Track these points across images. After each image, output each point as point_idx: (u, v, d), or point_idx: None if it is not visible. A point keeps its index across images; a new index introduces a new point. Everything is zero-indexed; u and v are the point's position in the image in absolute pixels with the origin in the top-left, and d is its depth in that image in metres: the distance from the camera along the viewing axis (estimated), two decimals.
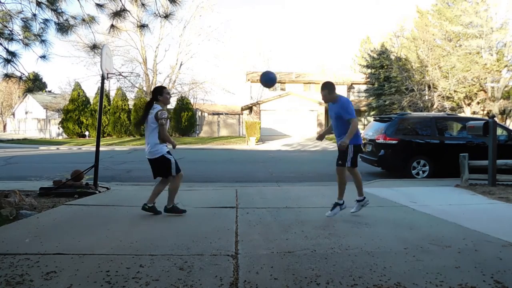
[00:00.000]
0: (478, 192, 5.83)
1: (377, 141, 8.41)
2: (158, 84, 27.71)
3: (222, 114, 32.16)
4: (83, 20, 5.65)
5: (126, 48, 26.49)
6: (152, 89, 4.41)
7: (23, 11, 5.64)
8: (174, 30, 40.36)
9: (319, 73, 34.57)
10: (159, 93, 4.14)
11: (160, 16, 5.36)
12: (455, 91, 21.52)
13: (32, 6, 5.46)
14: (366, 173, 9.32)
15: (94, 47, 6.16)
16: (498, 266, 2.68)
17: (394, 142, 8.12)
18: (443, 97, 22.02)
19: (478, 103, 22.35)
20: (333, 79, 31.98)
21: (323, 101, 4.42)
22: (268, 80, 4.38)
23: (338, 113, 4.18)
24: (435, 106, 22.59)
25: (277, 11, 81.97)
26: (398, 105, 23.89)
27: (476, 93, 22.04)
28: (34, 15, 5.57)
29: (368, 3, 71.87)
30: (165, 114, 4.04)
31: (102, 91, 6.47)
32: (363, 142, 4.33)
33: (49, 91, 45.98)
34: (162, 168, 4.13)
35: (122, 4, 5.29)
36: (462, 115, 19.34)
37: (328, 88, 4.20)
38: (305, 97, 30.21)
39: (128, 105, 29.30)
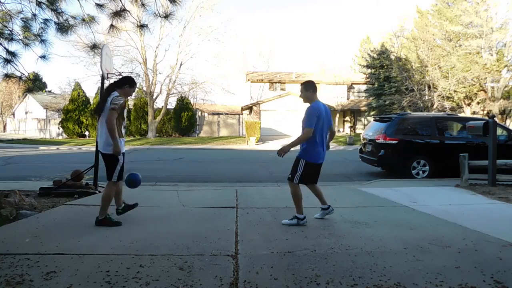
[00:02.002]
0: (478, 192, 5.83)
1: (377, 141, 8.41)
2: (158, 85, 27.77)
3: (222, 114, 32.16)
4: (83, 20, 5.64)
5: (126, 48, 26.48)
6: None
7: (23, 11, 5.65)
8: (174, 30, 40.25)
9: (319, 73, 34.54)
10: (124, 83, 3.81)
11: (160, 16, 5.36)
12: (455, 91, 21.52)
13: (32, 6, 5.46)
14: (366, 173, 9.32)
15: (94, 47, 6.16)
16: (498, 266, 2.68)
17: (394, 142, 8.12)
18: (443, 97, 22.01)
19: (478, 103, 22.34)
20: (333, 79, 32.09)
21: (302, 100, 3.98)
22: (132, 181, 4.11)
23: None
24: (435, 106, 22.59)
25: (278, 11, 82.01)
26: (398, 105, 23.88)
27: (476, 93, 22.04)
28: (34, 15, 5.57)
29: (368, 3, 71.88)
30: (120, 101, 3.65)
31: (102, 91, 6.47)
32: (321, 162, 3.93)
33: (49, 91, 45.98)
34: (107, 166, 3.73)
35: (122, 4, 5.29)
36: (462, 115, 19.36)
37: (304, 87, 3.88)
38: None
39: (128, 105, 29.28)
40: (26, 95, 36.81)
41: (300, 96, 3.96)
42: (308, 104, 3.90)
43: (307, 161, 3.85)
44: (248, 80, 33.15)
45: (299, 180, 3.87)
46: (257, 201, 5.07)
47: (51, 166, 11.07)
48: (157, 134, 28.53)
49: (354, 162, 11.75)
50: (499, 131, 7.56)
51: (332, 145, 21.65)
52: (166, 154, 15.73)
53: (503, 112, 23.02)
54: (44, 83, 50.68)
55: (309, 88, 3.87)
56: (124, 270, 2.57)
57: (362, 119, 33.45)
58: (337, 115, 31.80)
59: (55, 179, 6.08)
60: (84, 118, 28.86)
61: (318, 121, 3.73)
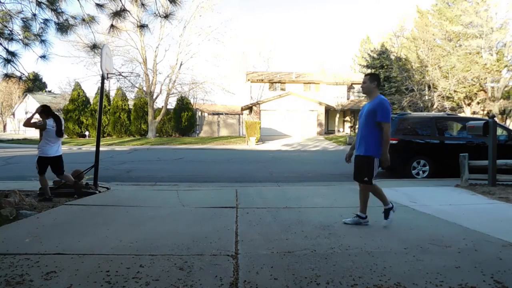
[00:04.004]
0: (478, 192, 5.83)
1: None
2: (158, 85, 27.73)
3: (222, 114, 32.16)
4: (83, 20, 5.64)
5: (126, 48, 26.46)
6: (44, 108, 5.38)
7: (23, 11, 5.64)
8: (174, 30, 40.32)
9: (319, 73, 34.54)
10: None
11: (160, 16, 5.35)
12: (455, 91, 21.52)
13: (32, 6, 5.46)
14: None
15: (94, 47, 6.16)
16: (498, 266, 2.68)
17: (394, 142, 8.10)
18: (443, 97, 22.02)
19: (478, 103, 22.35)
20: (333, 79, 32.08)
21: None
22: None
23: (369, 110, 3.70)
24: (435, 106, 22.59)
25: (278, 11, 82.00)
26: (398, 105, 23.89)
27: (476, 93, 22.04)
28: (34, 15, 5.56)
29: (368, 3, 71.87)
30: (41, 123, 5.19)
31: (102, 91, 6.47)
32: None
33: (49, 91, 45.98)
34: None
35: (122, 4, 5.29)
36: (462, 115, 19.36)
37: (369, 78, 3.79)
38: (305, 97, 30.21)
39: (128, 105, 29.29)
40: (26, 95, 36.81)
41: (362, 87, 3.86)
42: (368, 95, 3.82)
43: (378, 158, 3.69)
44: (248, 80, 33.14)
45: (372, 180, 3.73)
46: (257, 201, 5.06)
47: None
48: (157, 134, 28.53)
49: None
50: (499, 131, 7.56)
51: (332, 145, 21.64)
52: (166, 154, 15.72)
53: (503, 112, 23.03)
54: (44, 83, 50.72)
55: (373, 80, 3.78)
56: (124, 270, 2.57)
57: None
58: (337, 115, 31.80)
59: (55, 179, 6.07)
60: (84, 118, 28.85)
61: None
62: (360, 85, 3.94)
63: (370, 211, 4.50)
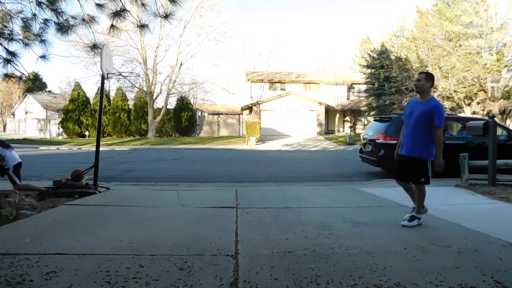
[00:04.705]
0: (478, 192, 5.83)
1: (377, 141, 8.41)
2: (158, 85, 27.75)
3: (222, 114, 32.16)
4: (83, 20, 5.64)
5: (126, 48, 26.47)
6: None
7: (23, 11, 5.65)
8: (174, 30, 40.28)
9: (319, 73, 34.55)
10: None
11: (160, 16, 5.36)
12: (455, 91, 21.52)
13: (32, 6, 5.46)
14: (366, 173, 9.32)
15: (94, 47, 6.16)
16: (498, 266, 2.68)
17: (394, 142, 8.10)
18: (443, 97, 22.01)
19: (478, 103, 22.35)
20: (333, 79, 32.09)
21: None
22: None
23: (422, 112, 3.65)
24: None
25: (278, 11, 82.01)
26: (398, 105, 23.90)
27: (476, 93, 22.04)
28: (34, 15, 5.57)
29: (368, 3, 71.88)
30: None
31: (102, 91, 6.47)
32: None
33: (49, 91, 45.97)
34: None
35: (122, 4, 5.29)
36: (462, 115, 19.36)
37: (426, 76, 3.73)
38: (305, 97, 30.22)
39: (128, 105, 29.30)
40: (26, 95, 36.81)
41: (415, 84, 3.82)
42: (420, 94, 3.80)
43: (431, 160, 3.73)
44: (248, 80, 33.14)
45: (428, 179, 3.75)
46: (257, 201, 5.06)
47: (51, 166, 11.07)
48: (157, 134, 28.53)
49: (354, 162, 11.75)
50: (499, 131, 7.56)
51: (332, 145, 21.64)
52: (166, 154, 15.73)
53: (503, 112, 23.03)
54: (44, 83, 50.68)
55: (429, 80, 3.73)
56: (124, 270, 2.57)
57: (362, 119, 33.45)
58: (337, 115, 31.81)
59: (55, 179, 6.08)
60: (84, 118, 28.86)
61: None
62: (414, 83, 3.89)
63: (370, 211, 4.51)
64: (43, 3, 5.47)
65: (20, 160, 5.57)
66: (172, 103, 30.24)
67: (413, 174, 3.79)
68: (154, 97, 27.81)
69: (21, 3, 5.57)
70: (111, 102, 29.27)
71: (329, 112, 31.75)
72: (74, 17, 5.67)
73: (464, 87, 21.41)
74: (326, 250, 3.04)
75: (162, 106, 28.72)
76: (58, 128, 31.02)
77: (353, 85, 34.06)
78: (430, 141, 3.70)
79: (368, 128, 9.60)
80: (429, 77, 3.77)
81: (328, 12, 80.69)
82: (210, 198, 5.39)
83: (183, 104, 29.49)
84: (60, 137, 30.30)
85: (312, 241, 3.27)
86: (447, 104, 22.19)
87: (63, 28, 5.63)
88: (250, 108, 30.07)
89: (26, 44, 5.67)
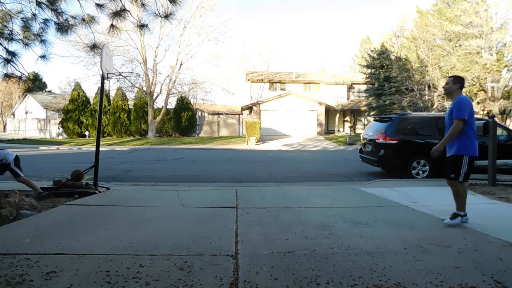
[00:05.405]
0: (478, 192, 5.83)
1: (377, 141, 8.42)
2: (158, 85, 27.74)
3: (222, 114, 32.15)
4: (83, 20, 5.64)
5: (126, 48, 26.46)
6: None
7: (23, 11, 5.64)
8: (174, 30, 40.30)
9: (319, 73, 34.54)
10: None
11: (160, 16, 5.36)
12: None
13: (32, 6, 5.46)
14: (366, 173, 9.32)
15: (94, 47, 6.16)
16: (498, 266, 2.68)
17: (394, 142, 8.12)
18: (443, 97, 22.00)
19: (478, 103, 22.33)
20: (333, 79, 32.08)
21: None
22: None
23: (450, 111, 3.84)
24: (435, 106, 22.59)
25: (278, 11, 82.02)
26: (398, 105, 23.89)
27: (476, 93, 22.03)
28: (34, 15, 5.56)
29: (368, 3, 71.90)
30: None
31: (102, 91, 6.47)
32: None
33: (49, 91, 45.95)
34: None
35: (122, 4, 5.29)
36: None
37: (453, 80, 3.92)
38: (305, 97, 30.22)
39: (128, 105, 29.29)
40: (26, 95, 36.79)
41: (444, 87, 4.04)
42: (450, 97, 4.00)
43: (471, 156, 3.79)
44: (248, 80, 33.13)
45: (464, 177, 3.80)
46: (257, 201, 5.06)
47: (51, 166, 11.07)
48: (157, 134, 28.53)
49: (354, 162, 11.75)
50: (499, 131, 7.56)
51: (332, 145, 21.64)
52: (166, 154, 15.73)
53: (503, 112, 23.01)
54: (44, 83, 50.67)
55: (457, 82, 3.92)
56: (124, 270, 2.57)
57: (362, 119, 33.44)
58: (337, 115, 31.81)
59: (55, 179, 6.08)
60: (84, 118, 28.86)
61: (471, 114, 3.77)
62: (442, 86, 4.11)
63: (370, 211, 4.51)
64: (43, 3, 5.47)
65: (16, 154, 5.59)
66: (172, 103, 30.27)
67: (449, 171, 3.87)
68: (154, 97, 27.81)
69: (21, 3, 5.58)
70: (111, 102, 29.26)
71: (329, 112, 31.74)
72: (74, 17, 5.67)
73: (464, 87, 21.41)
74: (326, 250, 3.04)
75: (162, 106, 28.72)
76: (58, 128, 31.02)
77: (353, 85, 34.04)
78: (463, 137, 3.78)
79: (368, 128, 9.60)
80: (457, 80, 3.95)
81: (328, 12, 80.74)
82: (210, 198, 5.39)
83: (183, 104, 29.48)
84: (60, 137, 30.29)
85: (312, 241, 3.27)
86: (447, 104, 22.18)
87: (63, 28, 5.63)
88: (250, 108, 30.06)
89: (26, 44, 5.67)
